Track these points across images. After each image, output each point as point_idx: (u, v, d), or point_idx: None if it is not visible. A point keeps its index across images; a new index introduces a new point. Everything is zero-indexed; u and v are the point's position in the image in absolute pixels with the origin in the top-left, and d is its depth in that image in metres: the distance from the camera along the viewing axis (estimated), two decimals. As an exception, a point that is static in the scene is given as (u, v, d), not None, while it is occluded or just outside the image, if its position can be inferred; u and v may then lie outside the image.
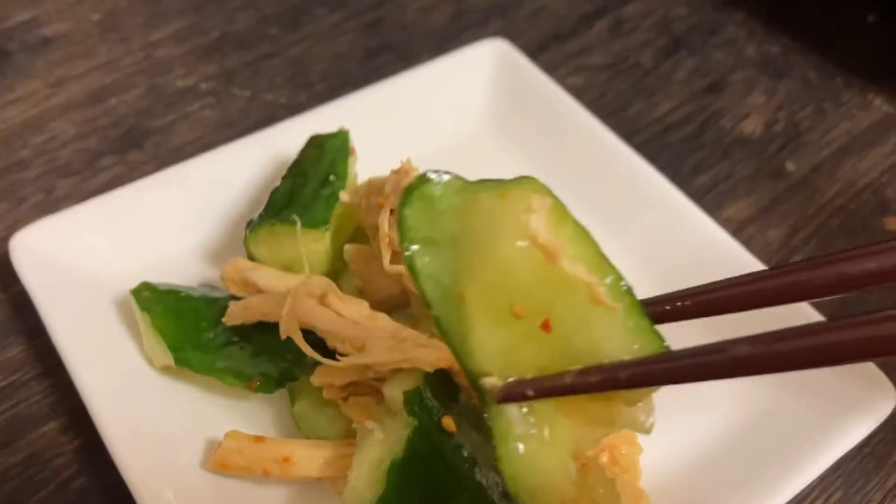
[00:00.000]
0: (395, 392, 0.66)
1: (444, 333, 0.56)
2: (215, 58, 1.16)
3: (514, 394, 0.55)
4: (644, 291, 0.89)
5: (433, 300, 0.55)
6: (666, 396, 0.80)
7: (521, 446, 0.55)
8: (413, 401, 0.65)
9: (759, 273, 0.58)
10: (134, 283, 0.80)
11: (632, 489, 0.73)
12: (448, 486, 0.63)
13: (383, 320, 0.74)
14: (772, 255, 0.98)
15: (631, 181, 0.95)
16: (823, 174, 1.08)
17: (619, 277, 0.56)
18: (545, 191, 0.55)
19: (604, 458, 0.74)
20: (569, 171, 0.97)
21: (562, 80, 1.08)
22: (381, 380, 0.71)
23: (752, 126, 1.13)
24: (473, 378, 0.56)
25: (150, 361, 0.79)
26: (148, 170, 1.01)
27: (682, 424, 0.79)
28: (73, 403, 0.81)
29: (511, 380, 0.55)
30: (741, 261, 0.87)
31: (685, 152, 1.09)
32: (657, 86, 1.17)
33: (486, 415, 0.55)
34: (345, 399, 0.73)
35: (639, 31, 1.24)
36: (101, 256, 0.85)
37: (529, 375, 0.55)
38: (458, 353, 0.56)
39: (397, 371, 0.69)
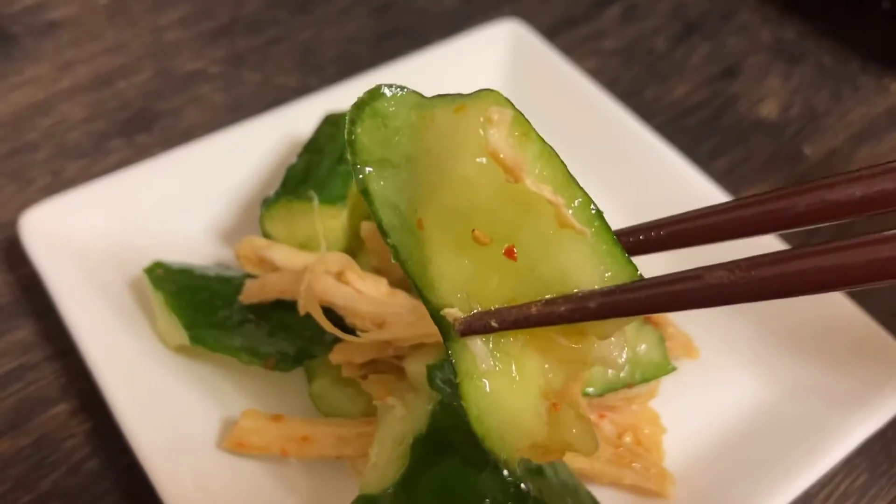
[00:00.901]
0: (417, 367, 0.65)
1: (402, 263, 0.50)
2: (224, 42, 1.14)
3: (478, 326, 0.50)
4: (664, 269, 0.89)
5: (390, 228, 0.50)
6: (690, 376, 0.79)
7: (486, 384, 0.50)
8: (437, 374, 0.63)
9: (737, 201, 0.52)
10: (146, 264, 0.79)
11: (656, 469, 0.72)
12: (472, 463, 0.61)
13: (402, 296, 0.73)
14: (789, 239, 0.96)
15: (650, 163, 0.93)
16: (840, 158, 1.07)
17: (588, 199, 0.50)
18: (506, 102, 0.49)
19: (628, 439, 0.73)
20: (588, 153, 0.95)
21: (576, 64, 1.07)
22: (402, 357, 0.69)
23: (767, 110, 1.12)
24: (434, 311, 0.50)
25: (164, 341, 0.77)
26: (157, 152, 0.98)
27: (706, 405, 0.79)
28: (84, 385, 0.80)
29: (474, 311, 0.50)
30: (764, 243, 0.85)
31: (701, 136, 1.08)
32: (671, 70, 1.16)
33: (448, 351, 0.50)
34: (364, 377, 0.71)
35: (652, 16, 1.23)
36: (111, 236, 0.84)
37: (494, 307, 0.50)
38: (417, 285, 0.51)
39: (418, 347, 0.67)
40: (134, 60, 1.11)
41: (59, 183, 0.96)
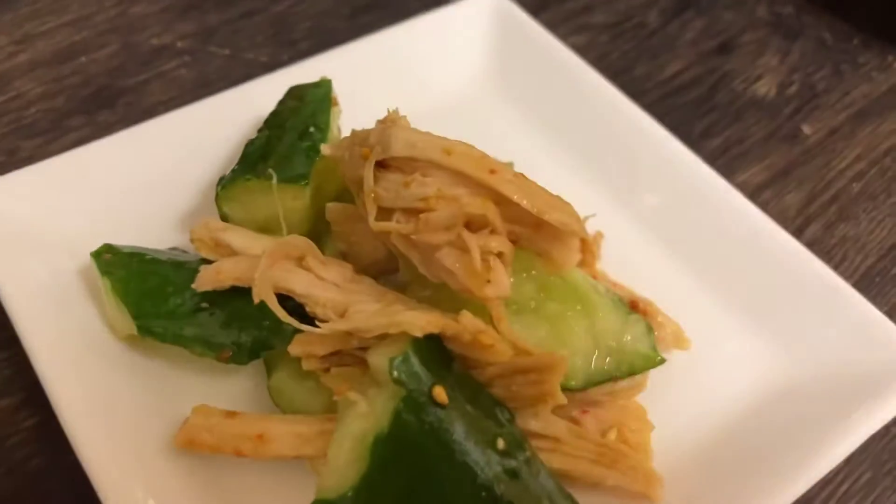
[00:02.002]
0: (380, 359, 0.59)
1: None
2: (193, 15, 1.09)
3: None
4: (654, 254, 0.83)
5: None
6: (680, 369, 0.74)
7: None
8: (400, 368, 0.57)
9: None
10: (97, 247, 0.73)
11: (643, 470, 0.66)
12: (438, 464, 0.56)
13: (368, 283, 0.67)
14: (790, 222, 0.91)
15: (641, 143, 0.88)
16: (842, 138, 1.01)
17: None
18: None
19: (612, 436, 0.68)
20: (571, 129, 0.91)
21: (563, 40, 1.01)
22: (367, 349, 0.64)
23: (765, 88, 1.06)
24: None
25: (113, 331, 0.72)
26: (119, 130, 0.93)
27: (697, 400, 0.74)
28: (30, 378, 0.73)
29: None
30: (756, 222, 0.80)
31: (695, 115, 1.02)
32: (664, 46, 1.10)
33: None
34: (326, 370, 0.66)
35: (644, -10, 1.17)
36: (62, 218, 0.78)
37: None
38: None
39: (383, 338, 0.62)
40: (97, 35, 1.05)
41: (14, 162, 0.91)
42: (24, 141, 0.93)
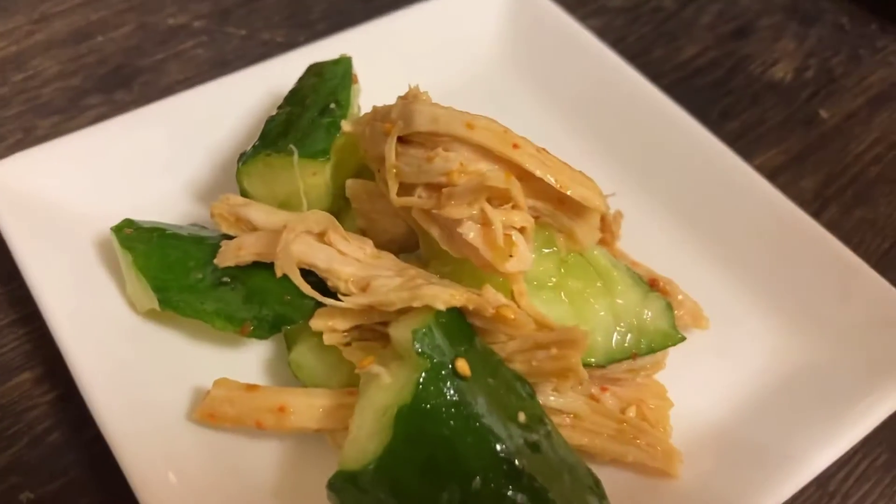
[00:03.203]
0: (403, 332, 0.59)
1: None
2: (209, -5, 1.09)
3: None
4: (672, 234, 0.83)
5: None
6: (699, 348, 0.74)
7: None
8: (423, 340, 0.57)
9: None
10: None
11: (662, 446, 0.67)
12: (460, 436, 0.56)
13: (389, 259, 0.67)
14: (807, 205, 0.91)
15: (660, 125, 0.88)
16: (859, 122, 1.01)
17: None
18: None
19: (632, 413, 0.68)
20: (593, 115, 0.91)
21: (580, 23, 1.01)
22: (387, 324, 0.64)
23: (782, 72, 1.06)
24: None
25: (133, 305, 0.72)
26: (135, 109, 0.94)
27: (716, 379, 0.73)
28: (49, 353, 0.74)
29: None
30: (774, 202, 0.80)
31: (712, 98, 1.02)
32: (680, 30, 1.10)
33: None
34: (347, 345, 0.66)
35: (661, -27, 1.17)
36: (82, 194, 0.78)
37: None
38: None
39: (405, 311, 0.62)
40: (113, 14, 1.06)
41: (31, 140, 0.91)
42: (40, 119, 0.94)
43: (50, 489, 0.68)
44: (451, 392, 0.57)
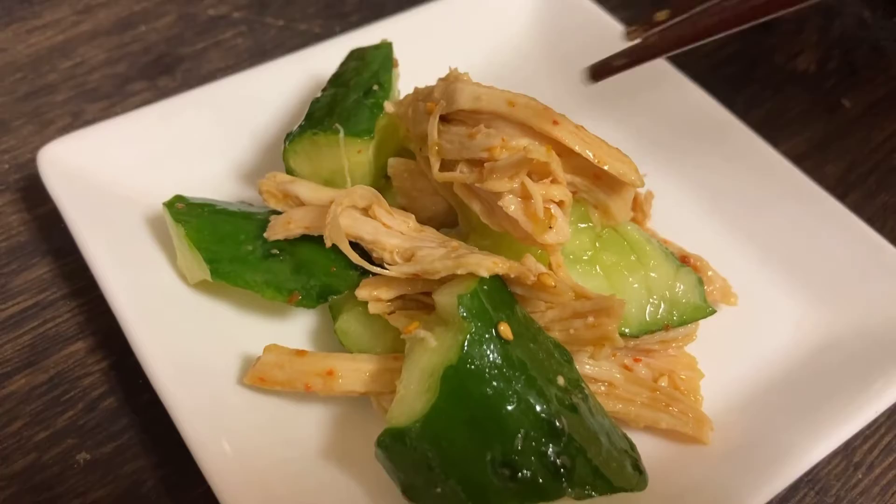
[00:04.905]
0: (448, 298, 0.62)
1: None
2: (248, -13, 1.12)
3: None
4: (701, 215, 0.86)
5: None
6: (729, 321, 0.76)
7: None
8: (468, 305, 0.60)
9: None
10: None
11: (694, 414, 0.69)
12: (503, 396, 0.58)
13: (431, 232, 0.70)
14: (830, 191, 0.93)
15: (686, 107, 0.90)
16: (882, 111, 1.03)
17: None
18: None
19: (664, 383, 0.70)
20: (620, 97, 0.93)
21: (609, 13, 1.04)
22: (430, 293, 0.67)
23: (805, 63, 1.08)
24: None
25: (185, 277, 0.75)
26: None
27: (745, 351, 0.76)
28: (102, 323, 0.78)
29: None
30: (800, 183, 0.83)
31: (737, 87, 1.04)
32: (706, 22, 1.12)
33: None
34: (391, 314, 0.69)
35: (686, -32, 1.19)
36: (133, 173, 0.81)
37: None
38: None
39: (448, 279, 0.65)
40: (155, 5, 1.09)
41: (79, 124, 0.95)
42: (88, 104, 0.97)
43: (105, 450, 0.71)
44: (495, 354, 0.59)
